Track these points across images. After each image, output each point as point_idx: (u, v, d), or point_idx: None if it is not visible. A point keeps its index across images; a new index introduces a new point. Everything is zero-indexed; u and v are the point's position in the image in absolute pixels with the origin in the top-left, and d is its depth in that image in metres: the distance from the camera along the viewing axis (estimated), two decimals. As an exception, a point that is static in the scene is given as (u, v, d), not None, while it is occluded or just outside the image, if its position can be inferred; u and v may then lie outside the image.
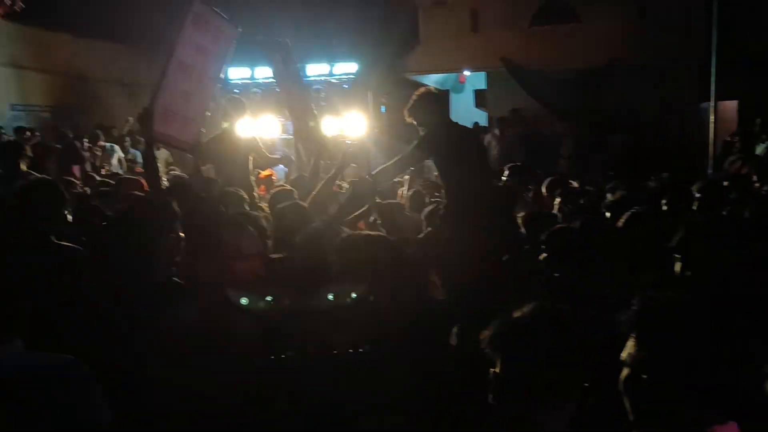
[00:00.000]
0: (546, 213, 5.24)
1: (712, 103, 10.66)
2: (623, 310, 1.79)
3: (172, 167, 8.77)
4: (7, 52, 13.09)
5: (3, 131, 10.72)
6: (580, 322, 1.76)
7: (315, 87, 13.15)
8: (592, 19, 13.54)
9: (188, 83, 5.20)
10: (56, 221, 3.33)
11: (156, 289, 2.58)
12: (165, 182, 6.72)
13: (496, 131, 13.43)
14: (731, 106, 12.54)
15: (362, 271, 2.54)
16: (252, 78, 13.55)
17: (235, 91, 13.19)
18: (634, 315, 1.76)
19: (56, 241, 3.24)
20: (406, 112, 4.96)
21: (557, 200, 5.61)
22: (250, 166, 6.52)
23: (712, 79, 10.44)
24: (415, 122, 4.94)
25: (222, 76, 5.52)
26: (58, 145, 10.73)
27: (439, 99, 5.28)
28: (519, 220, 4.69)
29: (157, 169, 5.00)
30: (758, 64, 11.59)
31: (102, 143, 11.70)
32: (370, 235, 3.10)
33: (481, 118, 15.66)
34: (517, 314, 1.76)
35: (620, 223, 3.87)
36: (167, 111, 5.07)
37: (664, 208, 4.91)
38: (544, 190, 6.17)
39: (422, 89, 5.17)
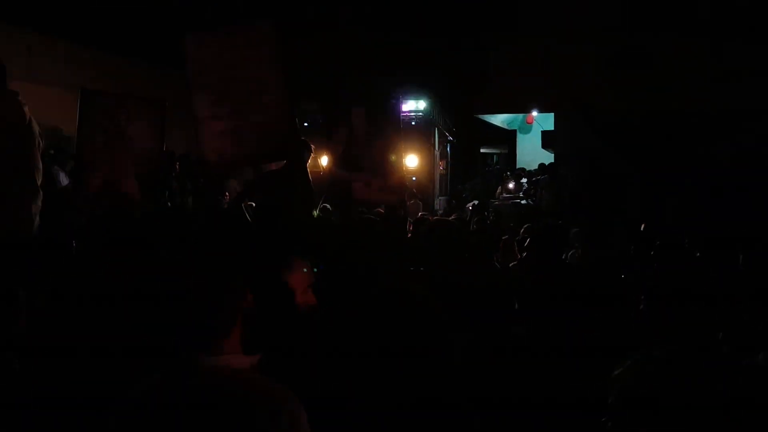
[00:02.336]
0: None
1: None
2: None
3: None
4: (81, 76, 13.60)
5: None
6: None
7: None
8: (666, 63, 13.28)
9: (237, 102, 5.07)
10: None
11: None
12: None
13: (546, 176, 13.15)
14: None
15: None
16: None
17: (305, 124, 13.38)
18: None
19: None
20: None
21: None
22: None
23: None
24: None
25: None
26: None
27: None
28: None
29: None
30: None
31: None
32: None
33: (548, 158, 15.48)
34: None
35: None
36: (224, 137, 5.05)
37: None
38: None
39: None
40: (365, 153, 7.91)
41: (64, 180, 10.07)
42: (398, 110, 13.27)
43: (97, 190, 6.04)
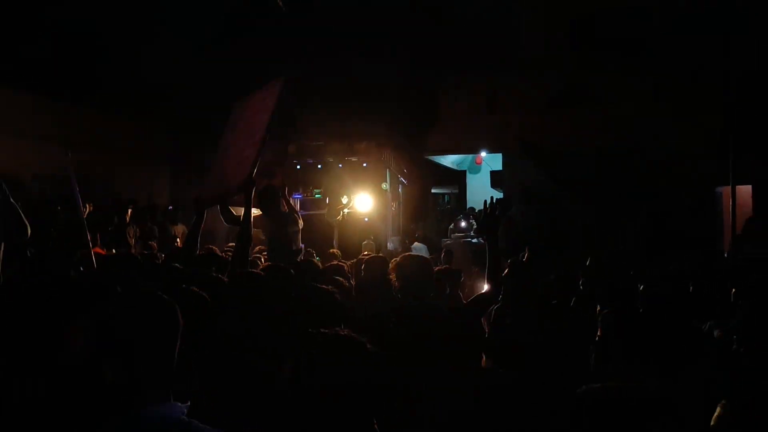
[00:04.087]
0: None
1: (730, 187, 10.67)
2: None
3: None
4: (30, 125, 13.31)
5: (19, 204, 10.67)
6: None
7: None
8: (608, 101, 13.78)
9: (235, 149, 5.44)
10: None
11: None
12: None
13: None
14: (746, 190, 12.57)
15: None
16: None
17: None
18: None
19: None
20: None
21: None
22: None
23: (731, 163, 10.48)
24: None
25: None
26: None
27: None
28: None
29: (197, 244, 5.15)
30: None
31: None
32: None
33: (497, 198, 15.75)
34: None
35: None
36: (214, 177, 5.46)
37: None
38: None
39: None
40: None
41: None
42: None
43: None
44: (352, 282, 5.19)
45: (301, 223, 7.62)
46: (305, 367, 2.10)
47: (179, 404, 1.97)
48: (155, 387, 1.95)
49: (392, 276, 4.36)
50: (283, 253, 6.83)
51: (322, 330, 2.23)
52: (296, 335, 2.92)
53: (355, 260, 6.46)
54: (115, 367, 1.94)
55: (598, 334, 3.48)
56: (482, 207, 4.44)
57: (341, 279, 4.63)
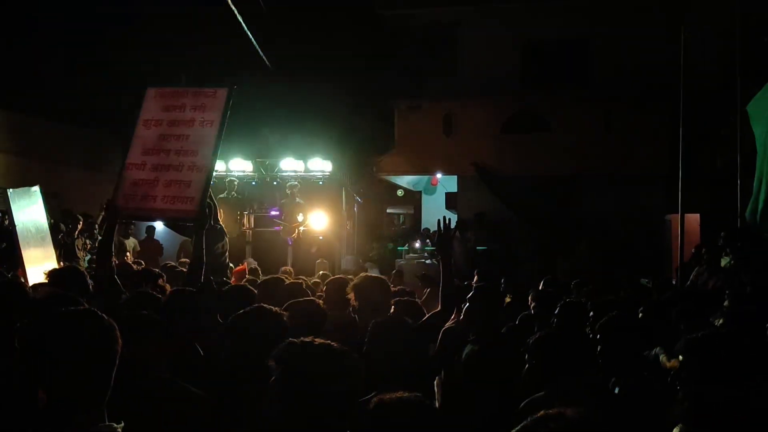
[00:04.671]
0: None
1: (679, 215, 10.90)
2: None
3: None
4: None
5: None
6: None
7: (290, 183, 13.31)
8: (561, 128, 14.03)
9: (165, 157, 5.15)
10: None
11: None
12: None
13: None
14: (693, 219, 12.90)
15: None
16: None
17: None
18: None
19: None
20: None
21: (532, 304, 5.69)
22: None
23: (680, 193, 10.72)
24: None
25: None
26: None
27: None
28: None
29: (111, 253, 4.92)
30: (718, 180, 12.10)
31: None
32: None
33: (451, 219, 15.78)
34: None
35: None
36: (138, 187, 5.10)
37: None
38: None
39: None
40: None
41: None
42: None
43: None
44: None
45: (227, 237, 7.47)
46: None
47: (114, 425, 1.94)
48: (89, 407, 1.92)
49: (351, 296, 4.43)
50: (211, 267, 6.67)
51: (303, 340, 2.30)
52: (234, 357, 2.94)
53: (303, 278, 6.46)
54: (47, 386, 1.90)
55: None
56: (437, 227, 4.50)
57: (315, 299, 4.62)
